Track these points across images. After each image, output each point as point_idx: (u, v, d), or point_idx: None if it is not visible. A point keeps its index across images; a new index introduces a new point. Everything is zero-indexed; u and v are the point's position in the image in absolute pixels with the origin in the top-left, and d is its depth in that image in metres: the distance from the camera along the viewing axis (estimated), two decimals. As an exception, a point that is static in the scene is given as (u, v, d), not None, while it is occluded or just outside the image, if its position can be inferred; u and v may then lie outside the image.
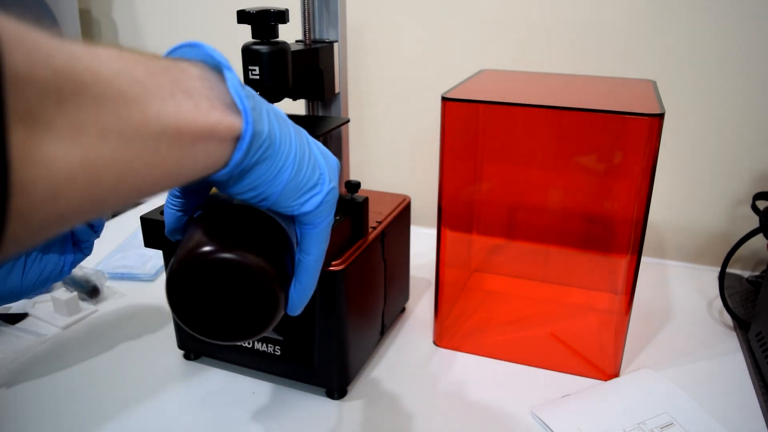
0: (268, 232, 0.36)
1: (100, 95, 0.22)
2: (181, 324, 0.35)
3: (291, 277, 0.37)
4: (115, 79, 0.23)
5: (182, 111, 0.26)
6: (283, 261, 0.36)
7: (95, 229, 0.54)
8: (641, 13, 0.83)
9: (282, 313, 0.35)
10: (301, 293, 0.37)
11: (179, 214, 0.38)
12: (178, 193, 0.38)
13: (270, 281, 0.33)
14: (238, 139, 0.29)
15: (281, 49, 0.54)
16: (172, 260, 0.34)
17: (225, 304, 0.33)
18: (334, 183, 0.36)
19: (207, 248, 0.32)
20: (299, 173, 0.33)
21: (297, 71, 0.57)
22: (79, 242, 0.53)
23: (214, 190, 0.40)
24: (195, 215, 0.38)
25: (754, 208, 0.77)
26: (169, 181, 0.27)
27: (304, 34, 0.63)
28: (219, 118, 0.28)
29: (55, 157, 0.20)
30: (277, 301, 0.34)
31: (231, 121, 0.29)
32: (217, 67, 0.30)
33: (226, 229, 0.35)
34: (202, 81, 0.28)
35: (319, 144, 0.38)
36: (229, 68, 0.30)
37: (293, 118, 0.63)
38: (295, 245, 0.38)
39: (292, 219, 0.38)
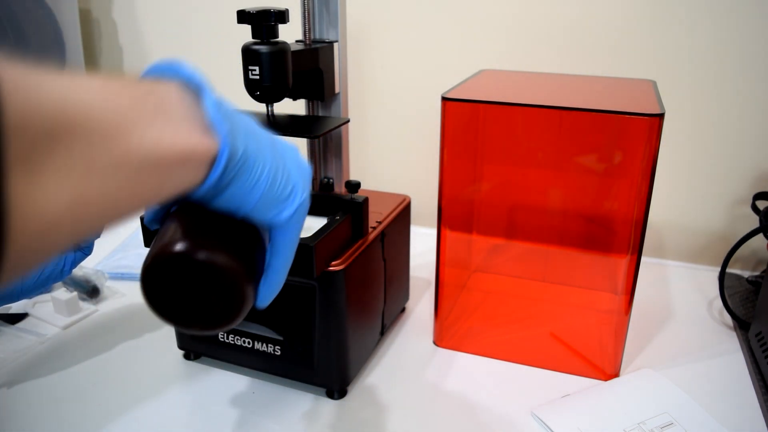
0: (241, 229, 0.37)
1: (88, 132, 0.23)
2: (156, 314, 0.36)
3: (262, 271, 0.38)
4: (102, 112, 0.24)
5: (164, 138, 0.27)
6: (254, 256, 0.37)
7: None
8: (641, 13, 0.83)
9: (250, 306, 0.37)
10: (269, 288, 0.39)
11: (157, 207, 0.39)
12: None
13: (238, 279, 0.35)
14: (214, 160, 0.30)
15: (281, 49, 0.54)
16: (146, 255, 0.35)
17: (196, 297, 0.35)
18: (306, 193, 0.37)
19: (179, 247, 0.34)
20: (272, 187, 0.34)
21: (297, 71, 0.57)
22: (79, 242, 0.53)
23: None
24: (172, 210, 0.39)
25: (754, 208, 0.78)
26: (149, 203, 0.28)
27: (304, 34, 0.63)
28: (197, 141, 0.29)
29: (46, 199, 0.21)
30: (244, 296, 0.35)
31: (208, 145, 0.29)
32: (196, 88, 0.31)
33: (199, 227, 0.36)
34: (181, 103, 0.29)
35: (294, 150, 0.39)
36: (207, 89, 0.31)
37: (293, 118, 0.64)
38: (266, 241, 0.39)
39: None
